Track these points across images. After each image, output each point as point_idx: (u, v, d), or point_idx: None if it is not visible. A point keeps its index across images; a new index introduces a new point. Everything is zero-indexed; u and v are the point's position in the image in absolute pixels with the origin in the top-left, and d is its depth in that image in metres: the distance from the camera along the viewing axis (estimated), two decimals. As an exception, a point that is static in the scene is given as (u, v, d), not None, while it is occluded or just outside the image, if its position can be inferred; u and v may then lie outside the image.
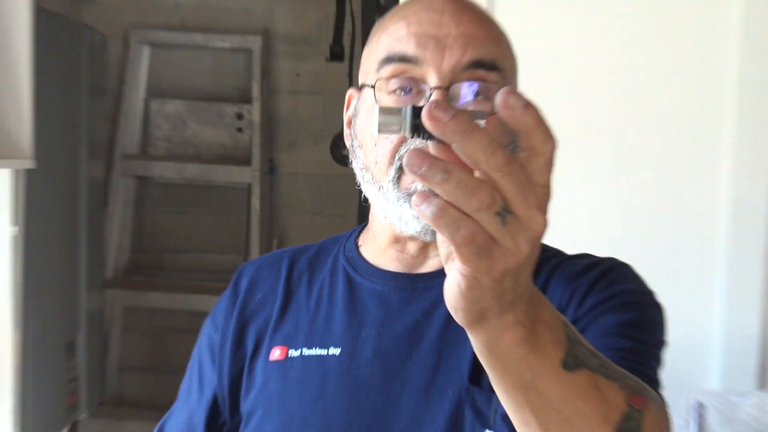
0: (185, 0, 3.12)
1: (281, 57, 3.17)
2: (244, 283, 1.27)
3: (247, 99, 3.23)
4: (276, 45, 3.15)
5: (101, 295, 2.86)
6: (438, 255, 0.80)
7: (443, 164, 0.60)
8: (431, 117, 0.60)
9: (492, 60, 1.08)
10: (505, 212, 0.62)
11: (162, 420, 1.28)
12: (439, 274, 0.82)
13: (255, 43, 3.09)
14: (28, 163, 1.89)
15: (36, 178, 2.11)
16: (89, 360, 2.65)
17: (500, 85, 1.06)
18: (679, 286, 2.01)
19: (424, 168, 0.60)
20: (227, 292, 1.28)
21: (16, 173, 1.99)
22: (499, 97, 0.60)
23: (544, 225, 0.64)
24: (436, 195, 0.61)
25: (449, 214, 0.62)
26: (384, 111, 0.66)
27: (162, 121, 3.20)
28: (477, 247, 0.63)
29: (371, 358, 1.15)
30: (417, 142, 0.70)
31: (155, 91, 3.15)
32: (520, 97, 0.60)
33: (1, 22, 1.82)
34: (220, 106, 3.19)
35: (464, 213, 0.61)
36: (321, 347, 1.18)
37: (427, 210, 0.61)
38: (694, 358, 2.08)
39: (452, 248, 0.63)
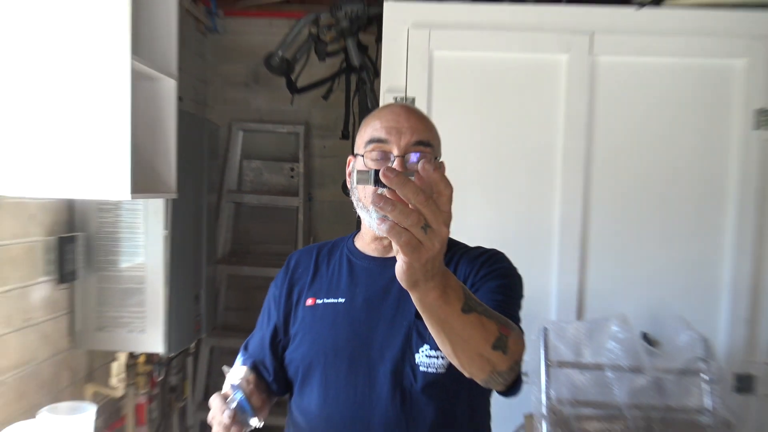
0: (263, 106, 3.46)
1: (315, 137, 3.48)
2: (292, 263, 1.40)
3: (296, 159, 3.44)
4: (312, 130, 3.48)
5: (214, 268, 3.01)
6: None
7: (391, 201, 0.72)
8: (384, 176, 0.73)
9: (426, 140, 1.22)
10: (426, 227, 0.74)
11: (246, 339, 1.42)
12: (380, 261, 1.21)
13: (300, 129, 3.40)
14: (173, 195, 1.97)
15: (177, 204, 2.20)
16: (207, 304, 2.75)
17: (431, 153, 1.21)
18: (533, 261, 2.18)
19: (381, 204, 0.72)
20: (283, 268, 1.40)
21: (166, 201, 2.13)
22: (420, 165, 0.74)
23: (447, 233, 0.76)
24: (388, 218, 0.73)
25: (395, 229, 0.74)
26: (360, 172, 0.78)
27: (249, 172, 3.49)
28: (411, 247, 0.75)
29: (361, 303, 1.27)
30: (378, 190, 0.74)
31: (245, 155, 3.48)
32: (431, 165, 0.75)
33: (158, 116, 1.93)
34: (281, 164, 3.47)
35: (404, 228, 0.73)
36: (334, 298, 1.31)
37: (383, 227, 0.74)
38: (542, 302, 2.18)
39: (398, 247, 0.75)
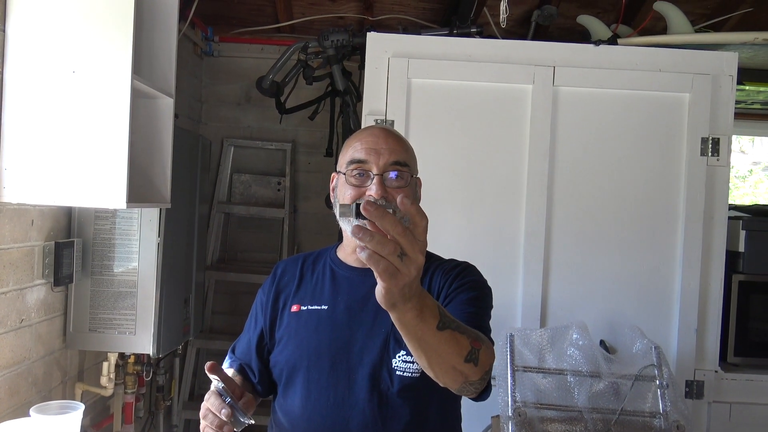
0: (253, 124, 3.52)
1: (301, 153, 3.54)
2: (279, 271, 1.41)
3: (283, 174, 3.49)
4: (299, 147, 3.53)
5: (203, 274, 3.01)
6: None
7: (370, 232, 0.75)
8: (364, 209, 0.75)
9: (403, 160, 1.24)
10: (402, 255, 0.76)
11: (233, 343, 1.44)
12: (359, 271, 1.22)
13: (287, 146, 3.48)
14: (167, 205, 2.01)
15: (171, 213, 2.21)
16: (195, 308, 2.75)
17: (408, 172, 1.23)
18: (501, 272, 2.25)
19: (360, 235, 0.75)
20: (271, 275, 1.41)
21: (160, 210, 2.15)
22: (398, 199, 0.76)
23: (423, 261, 0.79)
24: (367, 247, 0.75)
25: (373, 257, 0.75)
26: (342, 206, 0.83)
27: (239, 184, 3.52)
28: (389, 274, 0.77)
29: (343, 310, 1.28)
30: (358, 221, 0.77)
31: (236, 169, 3.52)
32: (408, 198, 0.77)
33: (156, 131, 1.97)
34: (269, 178, 3.52)
35: (382, 256, 0.76)
36: (317, 305, 1.31)
37: (363, 255, 0.76)
38: (509, 310, 2.25)
39: (377, 273, 0.77)
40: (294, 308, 1.32)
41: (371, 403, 1.20)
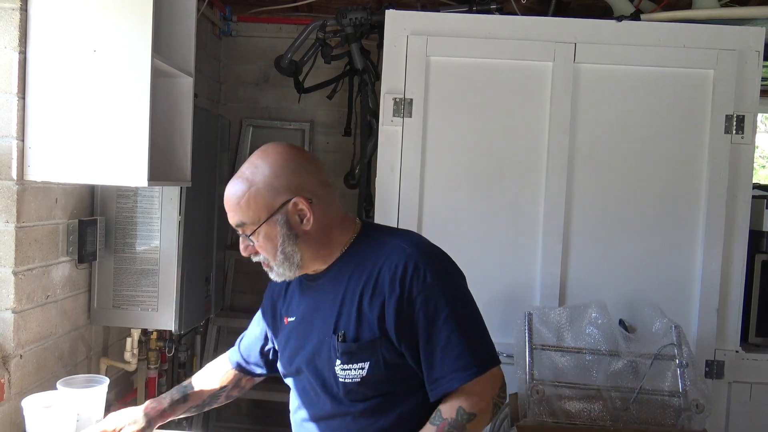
0: (271, 104, 3.49)
1: (319, 133, 3.52)
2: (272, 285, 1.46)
3: None
4: (317, 127, 3.51)
5: (224, 253, 3.01)
6: (314, 269, 1.28)
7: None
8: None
9: (238, 221, 1.25)
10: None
11: (241, 335, 1.54)
12: (322, 275, 1.29)
13: (306, 126, 3.47)
14: (188, 184, 2.05)
15: (191, 192, 2.22)
16: (216, 287, 2.78)
17: (247, 230, 1.24)
18: (520, 251, 2.27)
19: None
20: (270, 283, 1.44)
21: (181, 189, 2.16)
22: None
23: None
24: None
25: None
26: None
27: None
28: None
29: (300, 320, 1.34)
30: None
31: (254, 149, 3.28)
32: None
33: (176, 111, 1.99)
34: None
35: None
36: (291, 316, 1.38)
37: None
38: (527, 289, 2.26)
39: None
40: (285, 320, 1.38)
41: (331, 402, 1.27)
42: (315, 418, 1.32)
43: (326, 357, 1.25)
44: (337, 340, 1.22)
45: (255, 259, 1.28)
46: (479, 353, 1.19)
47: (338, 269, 1.28)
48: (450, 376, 1.17)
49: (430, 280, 1.19)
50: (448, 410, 1.17)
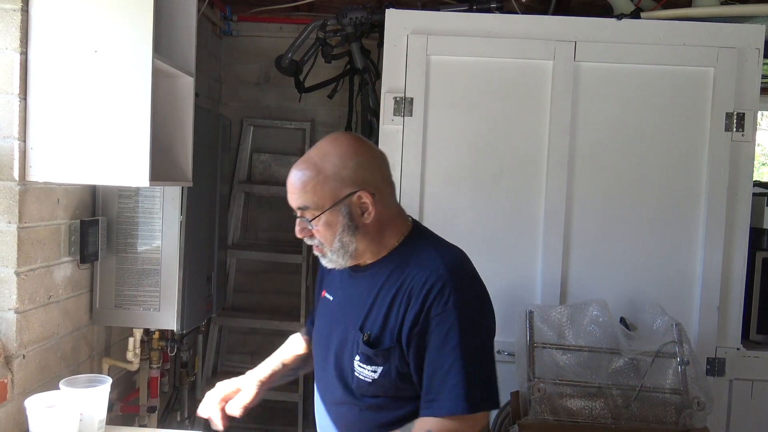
0: (272, 103, 3.50)
1: (320, 132, 3.47)
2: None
3: (302, 153, 3.25)
4: (318, 126, 3.51)
5: (225, 253, 3.05)
6: (364, 260, 1.32)
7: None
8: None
9: (302, 204, 1.27)
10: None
11: (310, 316, 1.60)
12: (365, 269, 1.32)
13: (307, 125, 3.48)
14: (189, 184, 2.03)
15: (192, 192, 2.22)
16: (217, 286, 2.77)
17: (308, 214, 1.26)
18: (521, 250, 2.28)
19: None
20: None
21: (182, 189, 2.15)
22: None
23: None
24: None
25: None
26: None
27: (259, 164, 3.53)
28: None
29: (337, 305, 1.39)
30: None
31: (255, 149, 3.51)
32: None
33: (177, 110, 1.98)
34: (289, 157, 3.49)
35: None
36: (330, 294, 1.43)
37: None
38: (528, 287, 2.28)
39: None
40: (323, 293, 1.41)
41: (342, 389, 1.31)
42: (326, 401, 1.36)
43: (349, 349, 1.29)
44: (362, 338, 1.25)
45: (309, 242, 1.30)
46: (474, 391, 1.18)
47: (379, 268, 1.31)
48: (440, 403, 1.19)
49: (450, 305, 1.20)
50: (419, 427, 1.21)
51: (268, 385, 1.50)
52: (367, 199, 1.24)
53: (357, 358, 1.26)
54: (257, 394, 1.47)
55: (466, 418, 1.16)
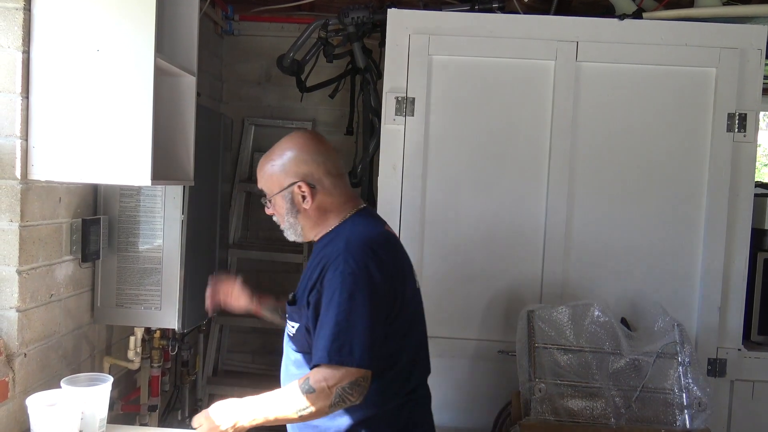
0: (273, 103, 3.50)
1: (321, 132, 3.39)
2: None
3: None
4: (319, 126, 3.52)
5: (226, 252, 3.07)
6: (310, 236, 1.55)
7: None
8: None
9: (260, 188, 1.56)
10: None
11: None
12: (315, 244, 1.57)
13: (308, 125, 3.48)
14: (190, 183, 2.06)
15: (194, 191, 2.22)
16: None
17: (267, 197, 1.55)
18: (522, 250, 2.27)
19: None
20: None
21: (184, 188, 2.16)
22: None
23: None
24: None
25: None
26: None
27: None
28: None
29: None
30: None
31: (257, 148, 3.49)
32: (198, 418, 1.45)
33: (178, 110, 1.99)
34: None
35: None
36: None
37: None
38: (530, 287, 2.28)
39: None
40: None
41: (286, 347, 1.56)
42: (282, 356, 1.59)
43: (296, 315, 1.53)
44: (289, 297, 1.52)
45: (274, 219, 1.58)
46: (336, 345, 1.34)
47: (320, 243, 1.53)
48: (314, 354, 1.38)
49: (338, 273, 1.39)
50: (302, 377, 1.38)
51: (260, 305, 1.80)
52: (305, 189, 1.48)
53: (286, 314, 1.53)
54: (246, 300, 1.81)
55: (338, 369, 1.31)
